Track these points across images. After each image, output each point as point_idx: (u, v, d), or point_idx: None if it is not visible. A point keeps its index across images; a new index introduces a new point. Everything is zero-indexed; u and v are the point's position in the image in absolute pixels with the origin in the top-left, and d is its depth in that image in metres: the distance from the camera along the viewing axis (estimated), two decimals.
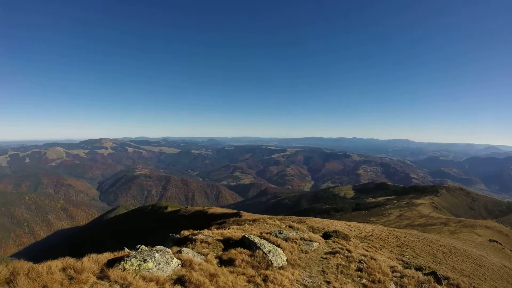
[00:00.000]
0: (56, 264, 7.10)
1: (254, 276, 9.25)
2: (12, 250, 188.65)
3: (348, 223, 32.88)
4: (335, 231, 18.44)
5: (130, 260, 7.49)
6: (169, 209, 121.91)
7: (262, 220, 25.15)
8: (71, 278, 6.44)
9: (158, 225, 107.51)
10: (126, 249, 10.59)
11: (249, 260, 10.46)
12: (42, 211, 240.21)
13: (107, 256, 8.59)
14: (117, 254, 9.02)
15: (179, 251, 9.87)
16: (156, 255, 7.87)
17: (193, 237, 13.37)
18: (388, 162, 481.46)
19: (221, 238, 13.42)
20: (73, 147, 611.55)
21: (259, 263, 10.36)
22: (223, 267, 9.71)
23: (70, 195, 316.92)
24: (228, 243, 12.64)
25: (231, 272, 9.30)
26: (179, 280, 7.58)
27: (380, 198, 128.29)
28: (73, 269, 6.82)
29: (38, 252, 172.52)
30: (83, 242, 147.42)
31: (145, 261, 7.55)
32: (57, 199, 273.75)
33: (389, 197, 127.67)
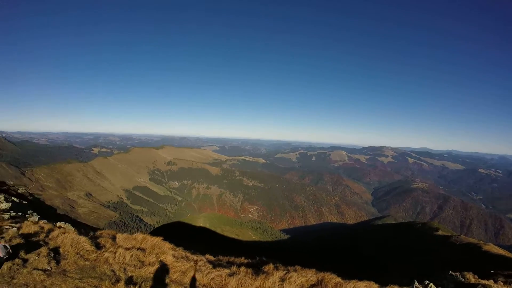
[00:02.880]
0: (360, 286, 7.31)
1: None
2: (283, 226, 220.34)
3: None
4: None
5: None
6: (440, 232, 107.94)
7: None
8: None
9: (423, 247, 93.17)
10: (416, 284, 9.92)
11: None
12: (317, 203, 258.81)
13: None
14: None
15: None
16: None
17: None
18: None
19: None
20: (355, 152, 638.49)
21: None
22: None
23: (345, 194, 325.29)
24: None
25: None
26: None
27: None
28: None
29: (303, 234, 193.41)
30: (345, 240, 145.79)
31: None
32: (332, 195, 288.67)
33: None
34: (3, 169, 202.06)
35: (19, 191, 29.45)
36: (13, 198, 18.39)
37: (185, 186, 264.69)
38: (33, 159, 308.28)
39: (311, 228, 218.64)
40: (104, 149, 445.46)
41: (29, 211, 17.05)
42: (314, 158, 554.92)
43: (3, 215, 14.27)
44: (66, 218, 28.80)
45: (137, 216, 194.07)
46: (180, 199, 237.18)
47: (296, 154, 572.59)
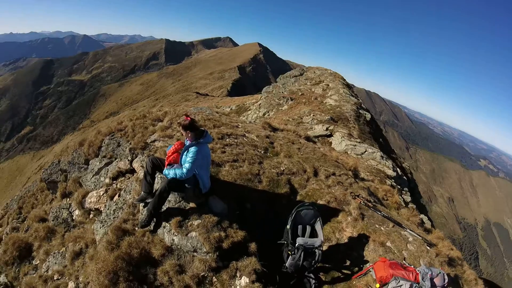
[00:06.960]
0: None
1: None
2: None
3: None
4: None
5: None
6: None
7: None
8: None
9: None
10: None
11: None
12: None
13: None
14: None
15: None
16: None
17: None
18: None
19: None
20: None
21: None
22: None
23: None
24: None
25: None
26: None
27: None
28: None
29: None
30: None
31: None
32: None
33: None
34: (394, 137, 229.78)
35: (403, 164, 29.97)
36: (397, 168, 17.60)
37: None
38: (421, 141, 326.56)
39: None
40: (491, 166, 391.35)
41: (405, 188, 16.07)
42: None
43: (386, 180, 13.95)
44: (424, 210, 26.68)
45: (476, 252, 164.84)
46: None
47: None
